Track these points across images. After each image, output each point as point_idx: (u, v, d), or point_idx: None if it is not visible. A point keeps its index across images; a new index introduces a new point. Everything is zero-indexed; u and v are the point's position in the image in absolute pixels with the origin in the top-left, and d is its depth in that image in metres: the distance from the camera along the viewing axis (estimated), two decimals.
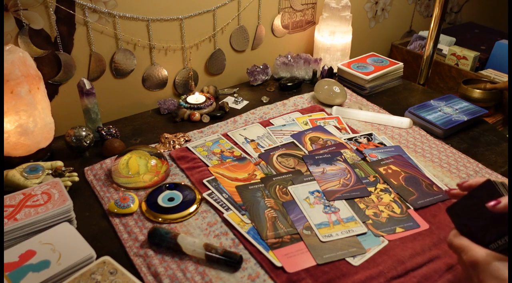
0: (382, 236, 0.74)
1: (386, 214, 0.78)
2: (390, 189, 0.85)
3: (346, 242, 0.72)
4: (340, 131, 1.04)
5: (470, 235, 0.55)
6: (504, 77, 1.50)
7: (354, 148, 0.97)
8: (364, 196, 0.82)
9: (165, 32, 1.13)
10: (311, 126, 1.05)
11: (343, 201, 0.81)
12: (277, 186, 0.85)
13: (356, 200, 0.82)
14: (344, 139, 1.00)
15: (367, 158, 0.93)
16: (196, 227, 0.77)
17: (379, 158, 0.93)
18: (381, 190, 0.84)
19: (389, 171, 0.89)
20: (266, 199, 0.81)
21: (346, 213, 0.78)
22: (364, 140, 1.00)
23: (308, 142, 0.98)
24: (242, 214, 0.78)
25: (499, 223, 0.52)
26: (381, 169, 0.90)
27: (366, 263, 0.69)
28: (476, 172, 0.90)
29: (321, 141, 0.98)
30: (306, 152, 0.96)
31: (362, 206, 0.80)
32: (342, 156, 0.93)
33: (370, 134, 1.02)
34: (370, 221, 0.77)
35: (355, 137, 1.01)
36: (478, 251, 0.52)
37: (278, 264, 0.69)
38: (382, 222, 0.77)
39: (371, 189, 0.85)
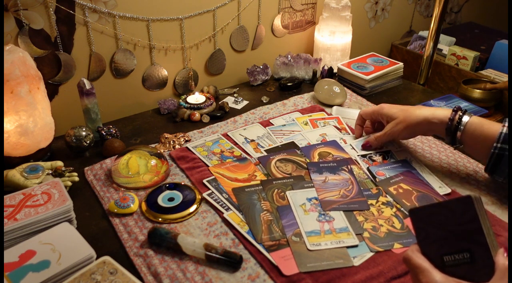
0: (379, 251, 0.71)
1: (385, 229, 0.75)
2: (393, 202, 0.81)
3: (334, 253, 0.70)
4: (340, 131, 1.04)
5: (427, 242, 0.55)
6: (504, 77, 1.50)
7: (366, 166, 0.90)
8: (363, 209, 0.79)
9: (165, 32, 1.13)
10: (311, 127, 1.05)
11: (341, 211, 0.79)
12: (276, 190, 0.83)
13: (355, 212, 0.79)
14: (358, 155, 0.94)
15: (376, 179, 0.87)
16: (196, 227, 0.77)
17: (387, 176, 0.88)
18: (383, 204, 0.81)
19: (400, 190, 0.84)
20: (262, 202, 0.81)
21: (340, 223, 0.76)
22: (379, 158, 0.93)
23: (316, 157, 0.94)
24: (242, 214, 0.78)
25: (462, 239, 0.52)
26: (391, 188, 0.84)
27: (366, 263, 0.69)
28: (476, 172, 0.91)
29: (330, 157, 0.94)
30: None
31: (361, 218, 0.77)
32: (349, 166, 0.89)
33: (388, 152, 0.95)
34: (368, 235, 0.74)
35: (370, 154, 0.94)
36: (437, 276, 0.52)
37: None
38: (380, 236, 0.74)
39: (373, 201, 0.81)
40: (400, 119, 0.89)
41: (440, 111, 0.85)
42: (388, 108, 0.92)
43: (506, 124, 0.77)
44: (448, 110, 0.85)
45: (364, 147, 0.95)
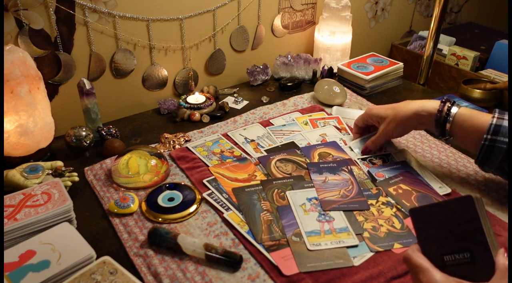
0: (379, 251, 0.71)
1: (385, 229, 0.75)
2: (393, 202, 0.81)
3: (334, 253, 0.70)
4: (340, 132, 1.04)
5: (427, 242, 0.56)
6: (504, 77, 1.50)
7: (367, 169, 0.90)
8: (363, 209, 0.79)
9: (165, 32, 1.13)
10: (311, 127, 1.05)
11: (341, 211, 0.79)
12: (276, 190, 0.83)
13: (355, 212, 0.79)
14: (358, 159, 0.93)
15: (377, 182, 0.87)
16: (196, 227, 0.77)
17: (386, 177, 0.88)
18: (383, 204, 0.81)
19: (400, 191, 0.84)
20: (262, 202, 0.80)
21: (341, 223, 0.75)
22: (379, 162, 0.92)
23: (316, 157, 0.94)
24: (242, 214, 0.78)
25: (463, 239, 0.52)
26: (391, 189, 0.84)
27: (366, 263, 0.69)
28: (476, 172, 0.91)
29: (330, 157, 0.94)
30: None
31: (361, 218, 0.77)
32: (348, 167, 0.89)
33: (388, 155, 0.94)
34: (368, 235, 0.74)
35: (370, 157, 0.94)
36: (437, 275, 0.52)
37: None
38: (380, 236, 0.73)
39: (373, 201, 0.81)
40: (390, 117, 0.89)
41: (428, 103, 0.85)
42: (377, 109, 0.92)
43: (496, 115, 0.76)
44: (437, 101, 0.84)
45: (364, 152, 0.95)
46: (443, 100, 0.83)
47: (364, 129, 1.00)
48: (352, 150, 0.96)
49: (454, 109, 0.81)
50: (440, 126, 0.83)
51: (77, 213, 0.76)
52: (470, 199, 0.52)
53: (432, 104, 0.84)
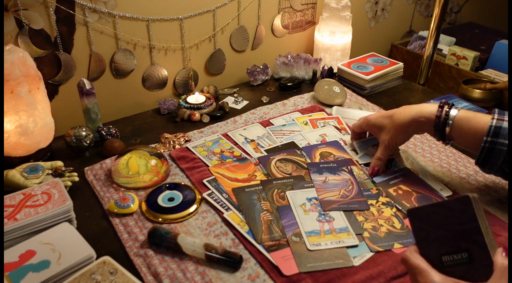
0: (379, 251, 0.71)
1: (385, 229, 0.75)
2: (392, 202, 0.81)
3: (333, 253, 0.70)
4: (340, 132, 1.04)
5: (425, 242, 0.56)
6: (504, 77, 1.50)
7: (368, 174, 0.89)
8: (363, 209, 0.79)
9: (165, 32, 1.13)
10: (311, 127, 1.05)
11: (341, 211, 0.79)
12: (276, 190, 0.83)
13: (355, 212, 0.79)
14: (358, 158, 0.93)
15: (377, 182, 0.86)
16: (196, 227, 0.77)
17: (386, 177, 0.87)
18: (383, 204, 0.81)
19: (400, 192, 0.83)
20: (262, 202, 0.80)
21: (340, 223, 0.75)
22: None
23: (318, 156, 0.94)
24: (242, 214, 0.78)
25: (461, 239, 0.52)
26: (391, 190, 0.84)
27: (366, 263, 0.69)
28: (476, 172, 0.91)
29: (332, 157, 0.94)
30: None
31: (361, 218, 0.77)
32: (349, 167, 0.89)
33: (391, 160, 0.92)
34: (368, 235, 0.74)
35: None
36: (436, 276, 0.52)
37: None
38: (380, 236, 0.73)
39: (373, 201, 0.81)
40: (388, 127, 0.86)
41: (426, 108, 0.82)
42: (374, 119, 0.90)
43: (496, 116, 0.75)
44: (434, 105, 0.82)
45: (374, 174, 0.88)
46: (441, 103, 0.81)
47: (361, 133, 0.99)
48: (353, 149, 0.96)
49: (453, 112, 0.80)
50: (439, 131, 0.81)
51: (77, 213, 0.77)
52: (467, 198, 0.52)
53: (429, 109, 0.82)
